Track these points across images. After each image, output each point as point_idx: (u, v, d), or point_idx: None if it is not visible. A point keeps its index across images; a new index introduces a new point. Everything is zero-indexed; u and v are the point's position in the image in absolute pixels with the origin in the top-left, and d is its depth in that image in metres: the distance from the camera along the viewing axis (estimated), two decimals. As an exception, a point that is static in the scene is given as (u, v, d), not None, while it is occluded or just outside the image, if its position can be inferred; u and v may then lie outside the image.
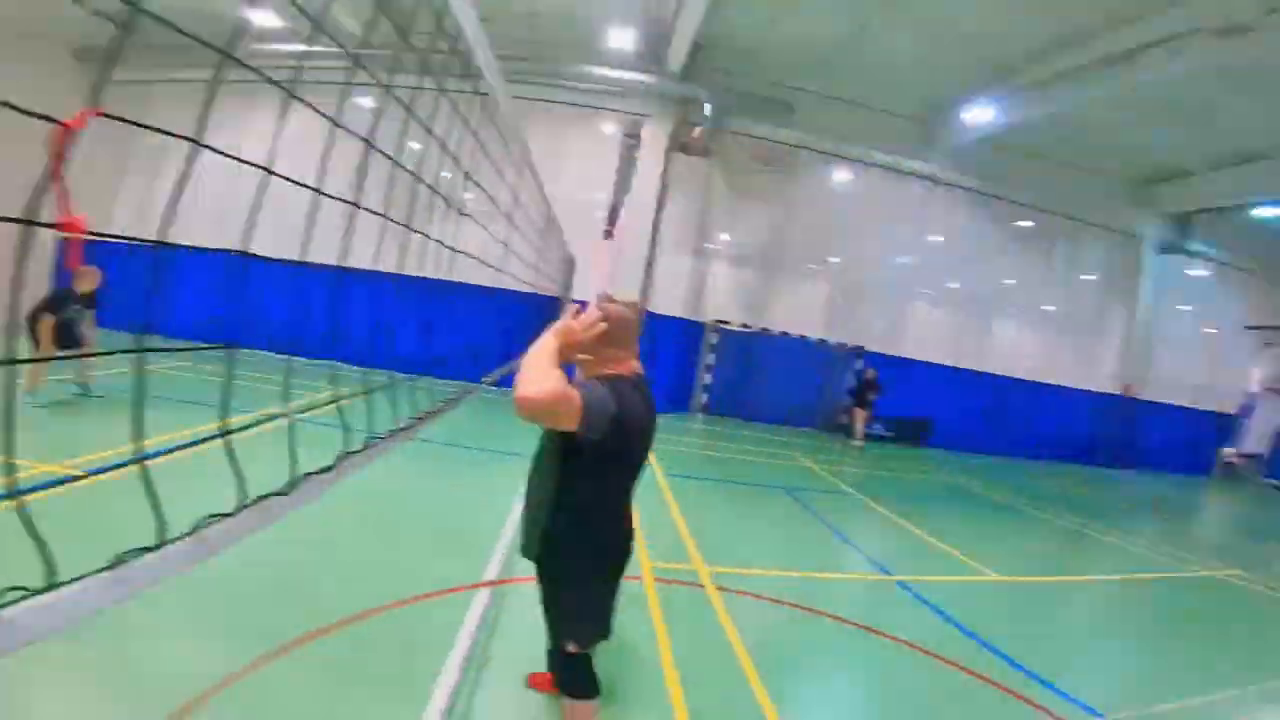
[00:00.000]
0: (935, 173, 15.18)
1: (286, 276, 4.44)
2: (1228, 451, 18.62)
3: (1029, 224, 16.18)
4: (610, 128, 14.47)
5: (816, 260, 15.40)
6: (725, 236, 15.08)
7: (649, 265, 14.51)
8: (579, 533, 2.36)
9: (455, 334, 6.48)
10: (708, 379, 14.90)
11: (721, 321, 14.82)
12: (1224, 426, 18.69)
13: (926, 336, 15.83)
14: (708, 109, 13.41)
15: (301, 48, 12.42)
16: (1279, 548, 10.19)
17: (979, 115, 12.58)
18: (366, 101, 12.13)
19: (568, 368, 2.18)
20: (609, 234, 14.07)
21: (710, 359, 14.84)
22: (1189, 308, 17.81)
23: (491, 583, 4.37)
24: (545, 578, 2.45)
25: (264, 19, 12.99)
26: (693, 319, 14.88)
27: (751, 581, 5.18)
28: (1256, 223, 15.79)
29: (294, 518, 1.36)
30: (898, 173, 15.30)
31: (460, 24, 1.90)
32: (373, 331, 9.79)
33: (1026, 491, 11.66)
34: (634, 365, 2.46)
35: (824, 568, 6.03)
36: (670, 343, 14.58)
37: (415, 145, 1.72)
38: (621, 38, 12.98)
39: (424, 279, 2.71)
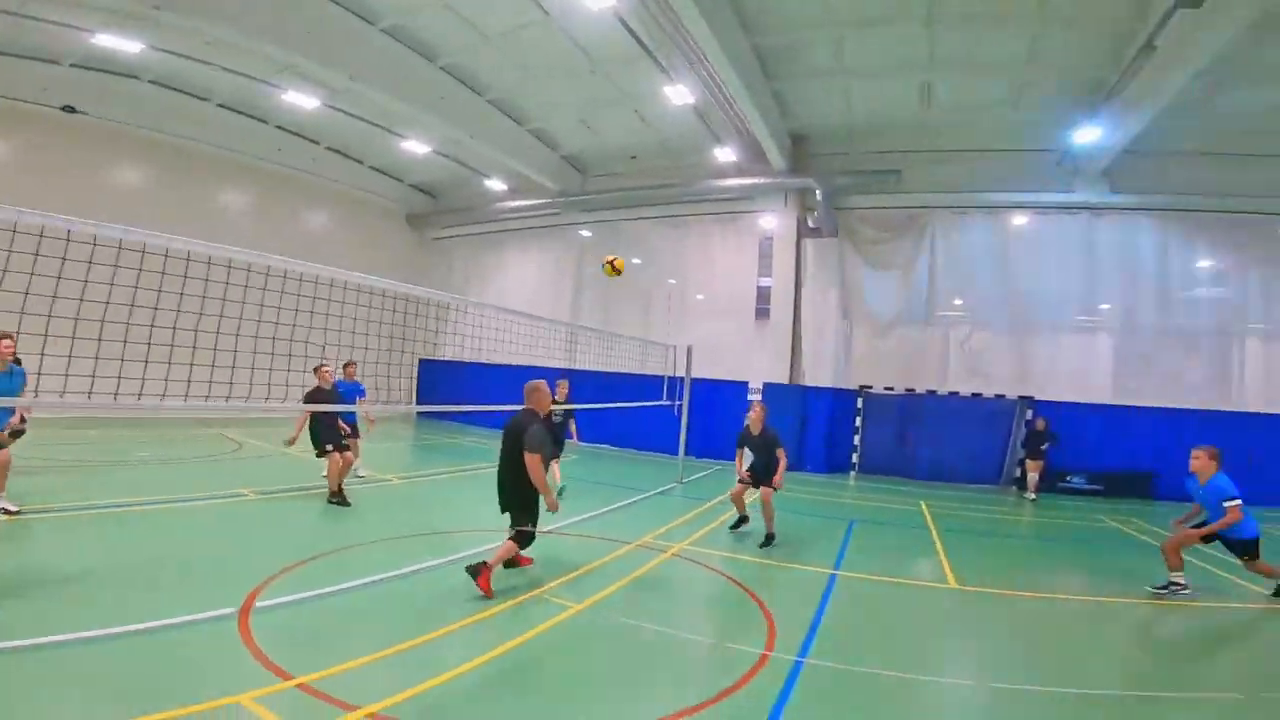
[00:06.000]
0: (1090, 200, 13.99)
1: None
2: None
3: (1243, 231, 13.70)
4: (746, 225, 16.52)
5: (977, 315, 14.92)
6: (867, 306, 15.54)
7: (796, 342, 15.61)
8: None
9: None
10: (857, 441, 15.20)
11: (865, 387, 15.10)
12: None
13: (1141, 382, 13.94)
14: (819, 194, 14.70)
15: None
16: None
17: (1087, 135, 11.89)
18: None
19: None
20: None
21: (858, 423, 15.15)
22: None
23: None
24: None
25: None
26: (843, 387, 15.34)
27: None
28: None
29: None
30: (1048, 210, 14.46)
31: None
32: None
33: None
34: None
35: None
36: (822, 411, 15.22)
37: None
38: (726, 152, 15.26)
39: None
